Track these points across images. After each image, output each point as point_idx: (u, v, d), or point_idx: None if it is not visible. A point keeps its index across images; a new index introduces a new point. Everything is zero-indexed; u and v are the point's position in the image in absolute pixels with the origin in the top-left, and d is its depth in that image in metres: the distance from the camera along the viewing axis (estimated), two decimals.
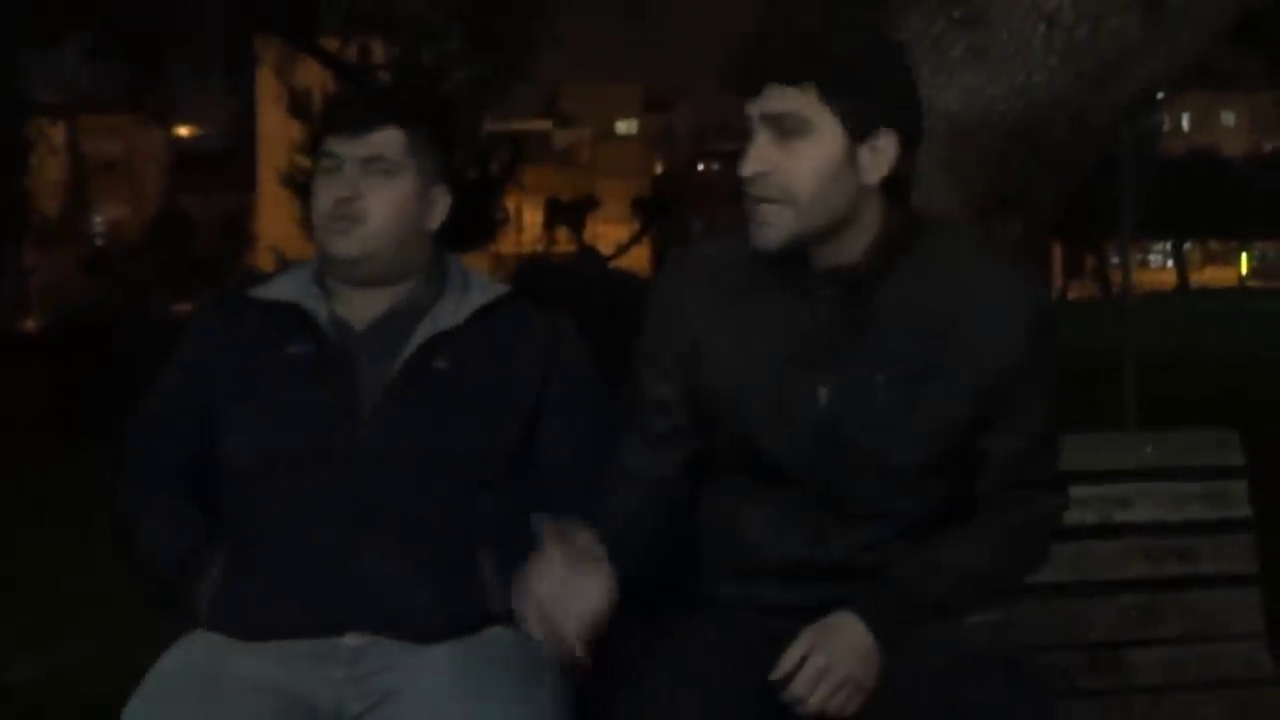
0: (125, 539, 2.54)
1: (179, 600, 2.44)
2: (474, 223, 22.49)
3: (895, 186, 2.30)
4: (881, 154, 2.26)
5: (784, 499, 2.37)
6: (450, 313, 2.56)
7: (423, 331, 2.53)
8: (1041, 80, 3.17)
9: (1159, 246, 73.71)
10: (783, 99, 2.24)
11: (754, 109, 2.28)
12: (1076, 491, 2.96)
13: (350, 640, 2.36)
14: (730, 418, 2.37)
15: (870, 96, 2.24)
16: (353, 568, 2.37)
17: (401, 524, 2.41)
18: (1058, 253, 60.11)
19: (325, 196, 2.55)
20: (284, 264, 2.83)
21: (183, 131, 66.90)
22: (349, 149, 2.55)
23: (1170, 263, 69.53)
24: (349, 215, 2.53)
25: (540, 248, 54.06)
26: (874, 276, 2.30)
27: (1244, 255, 71.92)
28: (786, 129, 2.24)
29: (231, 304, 2.64)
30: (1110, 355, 8.90)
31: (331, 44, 19.86)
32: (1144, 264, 71.81)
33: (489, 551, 2.44)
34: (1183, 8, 3.17)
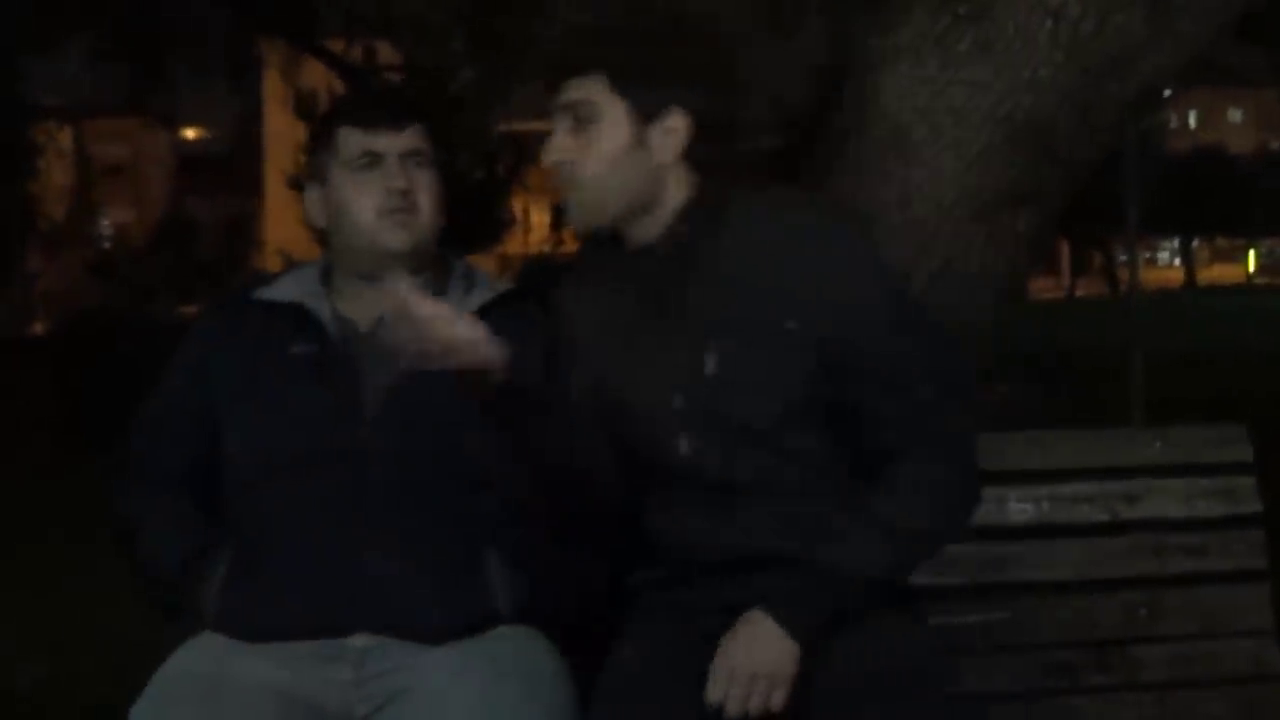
0: (128, 541, 2.54)
1: (184, 601, 2.44)
2: (480, 224, 22.46)
3: (699, 161, 2.38)
4: (674, 133, 2.36)
5: (674, 491, 2.40)
6: None
7: None
8: (1047, 75, 3.16)
9: (1167, 244, 73.65)
10: (575, 90, 2.37)
11: (555, 105, 2.40)
12: (1084, 488, 2.98)
13: (356, 641, 2.36)
14: (601, 412, 2.42)
15: (655, 80, 2.36)
16: (357, 569, 2.37)
17: (406, 524, 2.41)
18: (1065, 250, 60.05)
19: (375, 192, 2.56)
20: (290, 266, 2.83)
21: (188, 134, 66.92)
22: (391, 144, 2.57)
23: (1178, 260, 69.45)
24: (407, 207, 2.56)
25: (547, 248, 54.03)
26: (681, 248, 2.37)
27: (1251, 252, 71.81)
28: (580, 118, 2.37)
29: (234, 305, 2.64)
30: (1118, 352, 8.90)
31: (337, 46, 19.85)
32: (1152, 262, 71.69)
33: (494, 551, 2.44)
34: (1186, 3, 3.16)
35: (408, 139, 2.59)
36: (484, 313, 2.55)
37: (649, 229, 2.39)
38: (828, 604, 2.29)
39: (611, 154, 2.35)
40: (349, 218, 2.57)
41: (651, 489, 2.42)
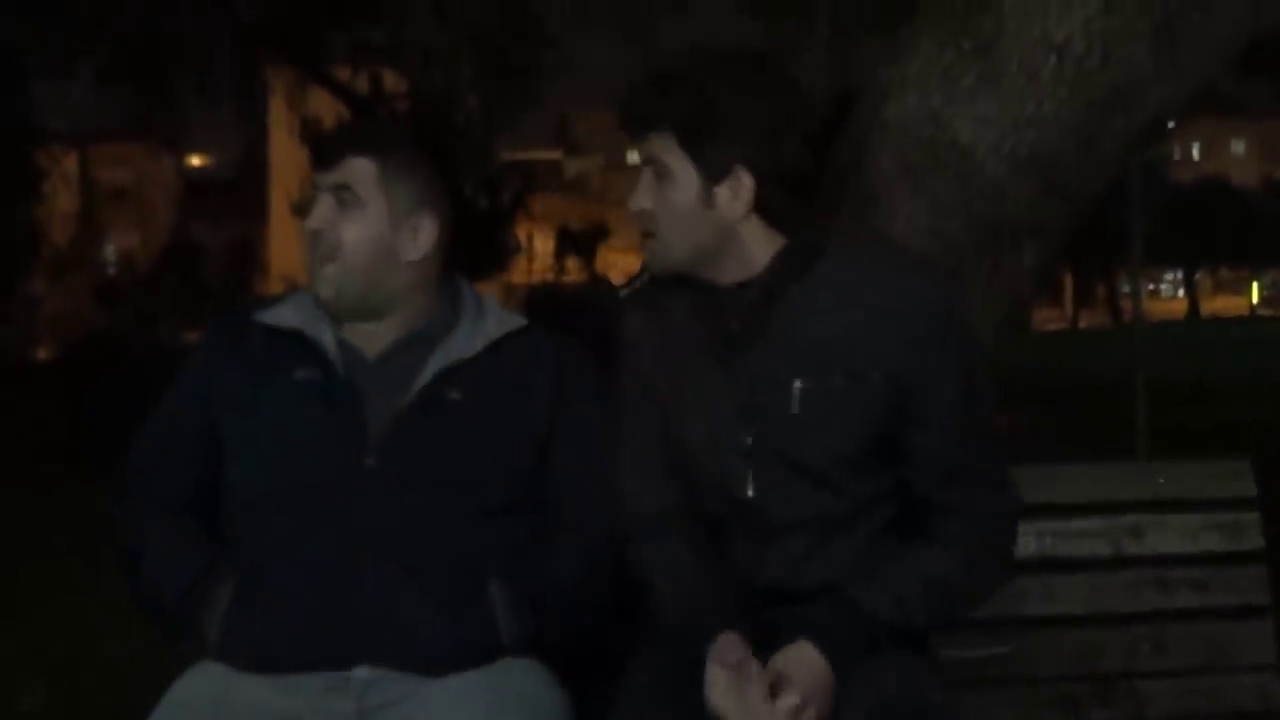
0: (131, 564, 2.52)
1: (187, 628, 2.43)
2: (485, 252, 22.49)
3: (773, 214, 2.39)
4: (742, 190, 2.37)
5: (721, 524, 2.44)
6: (464, 342, 2.55)
7: (436, 362, 2.52)
8: (1051, 110, 3.16)
9: (1170, 275, 73.70)
10: (652, 144, 2.39)
11: (640, 150, 2.42)
12: (1089, 523, 2.98)
13: (359, 673, 2.35)
14: (675, 444, 2.46)
15: (722, 140, 2.35)
16: (360, 599, 2.36)
17: (410, 554, 2.40)
18: (1069, 281, 60.09)
19: (305, 231, 2.55)
20: (292, 289, 2.80)
21: (194, 160, 66.97)
22: (323, 179, 2.54)
23: (1181, 291, 69.46)
24: (323, 251, 2.52)
25: (551, 277, 54.08)
26: (768, 291, 2.38)
27: (1255, 284, 71.81)
28: (659, 173, 2.38)
29: (237, 326, 2.61)
30: (1122, 383, 8.90)
31: (343, 73, 19.93)
32: (1155, 292, 71.80)
33: (500, 582, 2.43)
34: (1191, 36, 3.17)
35: (337, 174, 2.53)
36: (496, 345, 2.56)
37: (729, 273, 2.41)
38: (864, 644, 2.32)
39: (681, 211, 2.38)
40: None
41: (700, 520, 2.46)
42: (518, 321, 2.62)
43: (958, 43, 3.20)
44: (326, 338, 2.53)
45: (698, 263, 2.41)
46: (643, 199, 2.41)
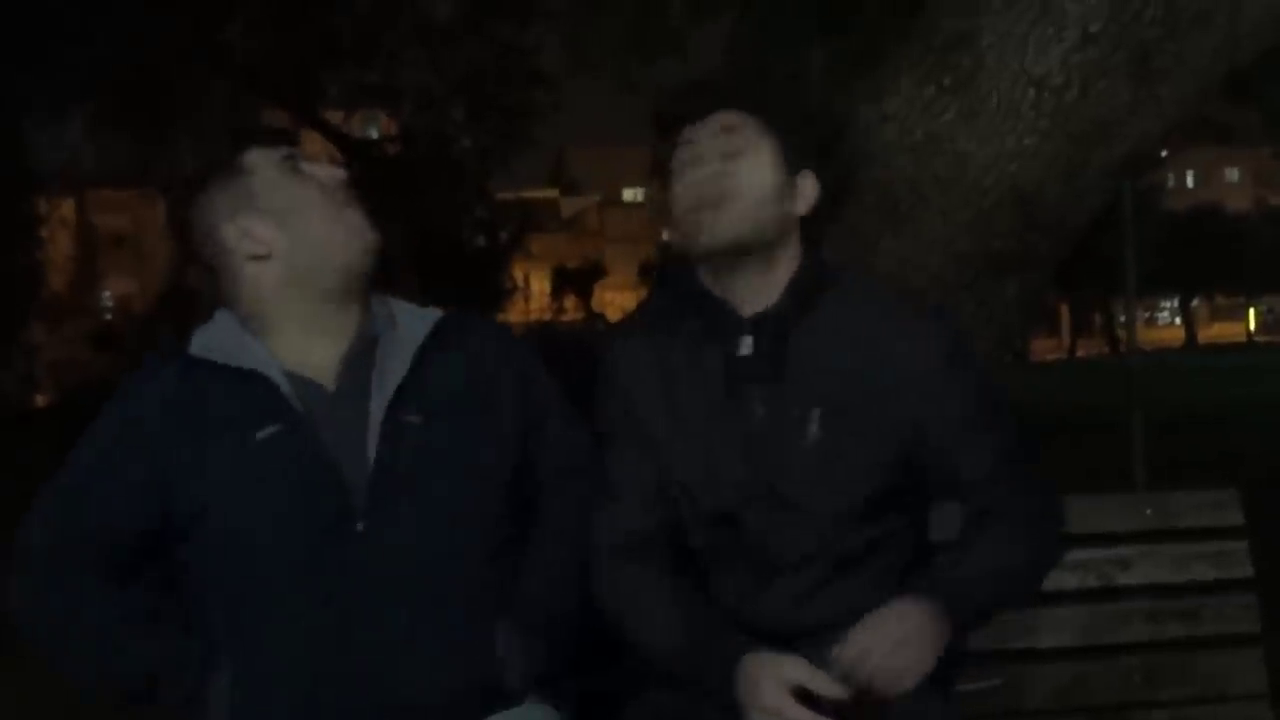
0: (63, 647, 2.40)
1: (160, 701, 2.35)
2: (481, 291, 22.51)
3: (811, 229, 2.45)
4: (809, 190, 2.43)
5: (720, 558, 2.42)
6: (395, 359, 2.40)
7: (381, 389, 2.37)
8: (1032, 144, 3.18)
9: (1167, 303, 73.78)
10: (731, 121, 2.41)
11: (699, 132, 2.42)
12: (1077, 555, 2.97)
13: None
14: (672, 479, 2.43)
15: (803, 136, 2.43)
16: (360, 653, 2.29)
17: (406, 604, 2.31)
18: (1065, 311, 60.14)
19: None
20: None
21: None
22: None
23: (1178, 319, 69.51)
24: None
25: (548, 316, 54.09)
26: (786, 324, 2.39)
27: (1251, 310, 71.84)
28: (732, 148, 2.39)
29: (170, 370, 2.40)
30: (1119, 412, 8.88)
31: (337, 116, 20.02)
32: (1152, 320, 71.89)
33: (505, 622, 2.36)
34: (1170, 67, 3.19)
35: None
36: (429, 347, 2.43)
37: (760, 292, 2.41)
38: (974, 605, 2.38)
39: (757, 187, 2.39)
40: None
41: (695, 553, 2.44)
42: (434, 315, 2.48)
43: (937, 79, 3.22)
44: (275, 374, 2.35)
45: (749, 249, 2.39)
46: (706, 165, 2.39)
